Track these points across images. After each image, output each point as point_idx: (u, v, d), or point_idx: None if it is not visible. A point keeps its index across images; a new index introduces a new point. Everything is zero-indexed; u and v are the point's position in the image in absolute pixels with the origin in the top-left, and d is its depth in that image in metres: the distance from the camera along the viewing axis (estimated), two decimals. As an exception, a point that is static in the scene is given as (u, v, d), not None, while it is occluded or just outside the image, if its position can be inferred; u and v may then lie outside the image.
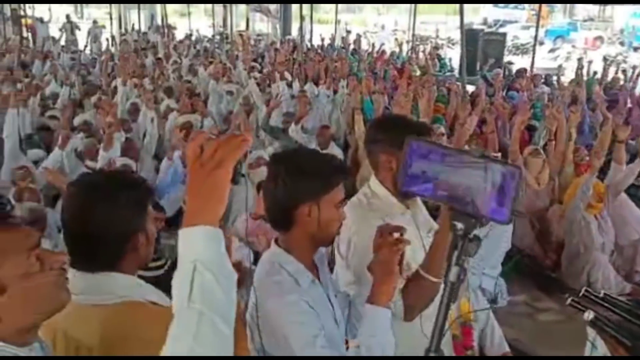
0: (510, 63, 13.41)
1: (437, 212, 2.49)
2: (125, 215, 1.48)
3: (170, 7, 23.77)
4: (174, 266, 1.09)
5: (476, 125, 6.27)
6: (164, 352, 1.08)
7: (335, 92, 9.06)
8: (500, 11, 33.68)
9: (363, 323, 1.71)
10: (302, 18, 13.14)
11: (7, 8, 16.72)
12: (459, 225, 1.21)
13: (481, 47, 12.43)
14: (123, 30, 21.02)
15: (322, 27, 23.25)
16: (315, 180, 1.70)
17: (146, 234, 1.55)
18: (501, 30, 23.17)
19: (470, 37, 11.07)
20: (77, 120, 6.80)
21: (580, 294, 2.35)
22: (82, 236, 1.47)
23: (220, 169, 1.10)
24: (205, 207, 1.11)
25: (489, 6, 33.36)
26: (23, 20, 18.28)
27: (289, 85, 9.47)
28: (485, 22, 30.20)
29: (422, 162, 1.23)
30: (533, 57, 11.19)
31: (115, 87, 9.00)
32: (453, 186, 1.19)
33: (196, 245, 1.09)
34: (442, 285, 1.24)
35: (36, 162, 5.67)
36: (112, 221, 1.46)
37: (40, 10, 20.77)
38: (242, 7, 22.72)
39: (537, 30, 11.27)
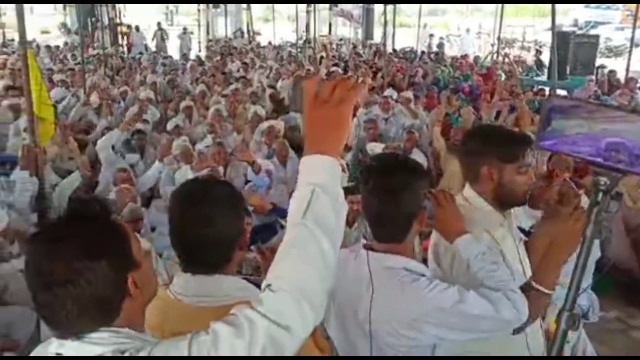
0: (602, 67, 12.79)
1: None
2: (234, 217, 1.57)
3: (255, 14, 24.44)
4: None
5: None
6: (270, 269, 1.15)
7: (416, 97, 8.98)
8: (591, 12, 32.13)
9: None
10: (385, 23, 13.10)
11: (105, 17, 17.68)
12: (603, 180, 1.19)
13: (572, 50, 11.92)
14: (210, 37, 21.81)
15: (404, 31, 23.10)
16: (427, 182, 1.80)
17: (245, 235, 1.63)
18: (592, 32, 22.14)
19: (560, 39, 10.65)
20: (169, 125, 7.12)
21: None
22: (196, 242, 1.53)
23: (342, 106, 1.17)
24: (328, 137, 1.17)
25: (580, 7, 31.92)
26: (119, 29, 19.32)
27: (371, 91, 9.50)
28: (575, 24, 28.93)
29: (563, 118, 1.21)
30: (629, 60, 10.62)
31: (202, 92, 9.32)
32: (598, 141, 1.16)
33: (317, 171, 1.16)
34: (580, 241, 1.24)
35: (132, 166, 6.01)
36: (224, 225, 1.53)
37: (136, 19, 21.88)
38: (325, 12, 22.98)
39: (633, 32, 10.68)
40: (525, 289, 1.80)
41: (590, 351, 3.58)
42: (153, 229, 4.73)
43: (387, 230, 1.77)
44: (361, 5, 23.54)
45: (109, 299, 1.17)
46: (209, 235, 1.51)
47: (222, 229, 1.52)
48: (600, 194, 1.19)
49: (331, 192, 1.15)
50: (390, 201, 1.71)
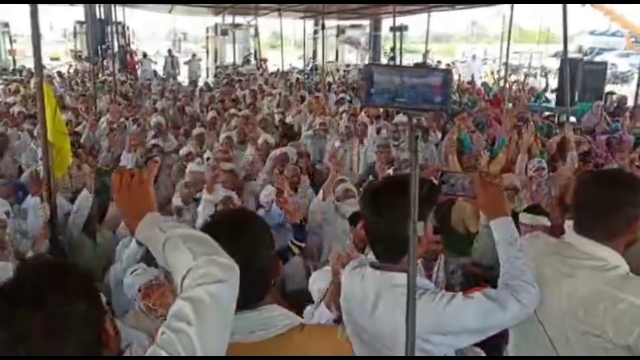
0: (611, 93, 12.79)
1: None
2: (271, 247, 1.59)
3: (262, 40, 24.68)
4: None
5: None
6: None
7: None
8: (596, 39, 32.48)
9: None
10: (393, 49, 13.22)
11: (115, 44, 17.84)
12: (416, 118, 1.51)
13: (580, 76, 11.92)
14: (218, 64, 22.00)
15: (410, 57, 23.26)
16: None
17: None
18: (597, 58, 22.28)
19: (569, 66, 10.66)
20: (182, 152, 7.11)
21: None
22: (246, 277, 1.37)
23: (142, 185, 1.44)
24: (143, 207, 1.42)
25: (585, 34, 32.24)
26: (128, 57, 19.51)
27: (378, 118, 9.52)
28: (580, 50, 29.18)
29: (381, 80, 1.45)
30: (638, 87, 10.61)
31: (213, 118, 9.31)
32: (404, 91, 1.45)
33: (152, 230, 1.37)
34: None
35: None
36: (267, 256, 1.55)
37: (145, 46, 22.16)
38: (332, 39, 23.17)
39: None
40: None
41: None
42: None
43: (387, 250, 1.83)
44: (367, 32, 23.79)
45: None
46: (255, 267, 1.46)
47: (265, 260, 1.53)
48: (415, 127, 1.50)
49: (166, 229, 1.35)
50: (395, 224, 1.69)
